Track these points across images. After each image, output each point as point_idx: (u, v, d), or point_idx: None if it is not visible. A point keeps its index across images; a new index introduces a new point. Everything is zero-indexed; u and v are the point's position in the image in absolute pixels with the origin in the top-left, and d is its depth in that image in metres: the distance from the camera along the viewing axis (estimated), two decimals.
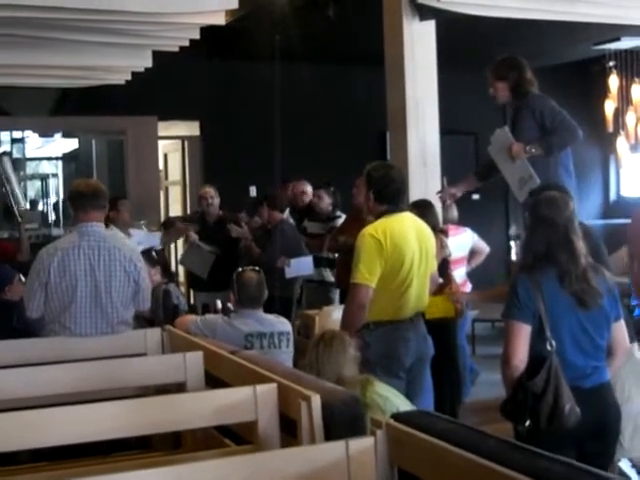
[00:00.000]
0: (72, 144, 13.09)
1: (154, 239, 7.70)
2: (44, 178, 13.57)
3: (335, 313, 5.22)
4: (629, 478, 3.78)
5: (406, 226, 4.46)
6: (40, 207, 13.30)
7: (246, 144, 9.59)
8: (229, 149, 9.73)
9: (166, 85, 9.10)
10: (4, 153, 11.71)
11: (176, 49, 6.58)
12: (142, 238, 7.42)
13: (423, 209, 5.20)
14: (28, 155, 13.23)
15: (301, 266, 7.15)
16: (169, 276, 6.91)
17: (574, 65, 10.40)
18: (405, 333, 4.39)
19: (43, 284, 4.34)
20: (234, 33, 7.77)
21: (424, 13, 5.97)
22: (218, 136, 9.84)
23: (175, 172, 10.92)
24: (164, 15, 5.56)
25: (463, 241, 6.32)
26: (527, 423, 3.28)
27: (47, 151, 13.92)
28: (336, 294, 7.23)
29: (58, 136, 12.72)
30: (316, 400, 2.72)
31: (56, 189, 13.37)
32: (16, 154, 12.62)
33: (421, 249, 4.46)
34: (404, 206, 4.63)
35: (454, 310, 4.77)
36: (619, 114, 9.30)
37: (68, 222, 10.46)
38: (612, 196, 11.79)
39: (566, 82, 10.15)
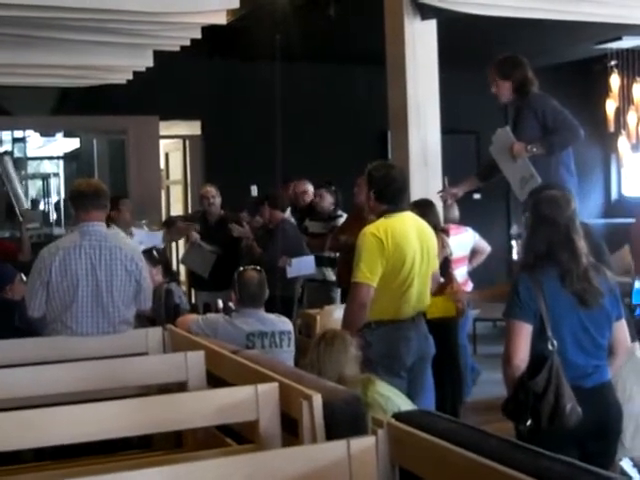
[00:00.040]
0: (73, 143, 13.10)
1: (156, 238, 7.70)
2: (45, 178, 13.58)
3: (336, 312, 5.22)
4: (630, 477, 3.78)
5: (407, 225, 4.46)
6: (41, 207, 13.30)
7: (247, 143, 9.59)
8: (230, 148, 9.73)
9: (167, 84, 9.10)
10: (5, 153, 11.73)
11: (177, 48, 6.59)
12: (144, 237, 7.43)
13: (424, 208, 5.20)
14: (29, 155, 13.24)
15: (302, 265, 7.15)
16: (171, 275, 6.91)
17: (575, 64, 10.39)
18: (406, 332, 4.39)
19: (44, 283, 4.35)
20: (235, 32, 7.77)
21: (425, 12, 5.97)
22: (219, 135, 9.85)
23: (176, 171, 10.92)
24: (165, 15, 5.56)
25: (464, 240, 6.32)
26: (528, 422, 3.28)
27: (48, 150, 13.93)
28: (337, 293, 7.23)
29: (59, 136, 12.74)
30: (317, 399, 2.72)
31: (57, 189, 13.38)
32: (17, 153, 12.63)
33: (422, 248, 4.46)
34: (405, 206, 4.63)
35: (455, 309, 4.77)
36: (620, 113, 9.29)
37: (69, 221, 10.46)
38: (613, 195, 11.78)
39: (567, 81, 10.15)
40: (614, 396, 3.50)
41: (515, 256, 10.08)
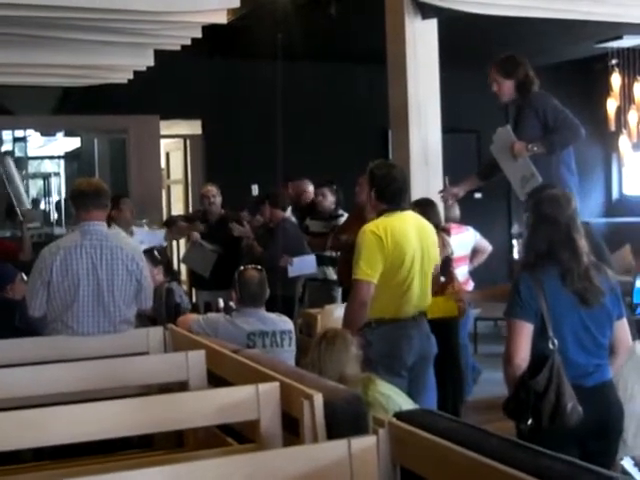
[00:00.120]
0: (74, 143, 13.09)
1: (157, 237, 7.71)
2: (46, 177, 13.56)
3: (337, 312, 5.22)
4: (632, 476, 3.78)
5: (407, 224, 4.46)
6: (42, 206, 13.29)
7: (248, 142, 9.59)
8: (231, 147, 9.73)
9: (168, 84, 9.10)
10: (6, 152, 11.72)
11: (178, 48, 6.58)
12: (145, 236, 7.43)
13: (425, 208, 5.20)
14: (30, 154, 13.23)
15: (304, 265, 7.15)
16: (171, 275, 6.91)
17: (576, 63, 10.39)
18: (408, 331, 4.39)
19: (45, 283, 4.35)
20: (236, 32, 7.77)
21: (426, 11, 5.97)
22: (220, 134, 9.85)
23: (177, 171, 10.92)
24: (166, 14, 5.56)
25: (465, 240, 6.32)
26: (529, 422, 3.28)
27: (49, 150, 13.92)
28: (338, 293, 7.23)
29: (60, 135, 12.73)
30: (318, 399, 2.72)
31: (58, 188, 13.36)
32: (18, 153, 12.62)
33: (423, 248, 4.46)
34: (406, 205, 4.63)
35: (456, 309, 4.77)
36: (621, 112, 9.29)
37: (70, 221, 10.46)
38: (614, 195, 11.78)
39: (568, 80, 10.15)
40: (615, 395, 3.50)
41: (516, 255, 10.08)
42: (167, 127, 9.94)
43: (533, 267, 3.42)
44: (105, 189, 4.57)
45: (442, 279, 4.84)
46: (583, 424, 3.26)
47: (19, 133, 12.37)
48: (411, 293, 4.40)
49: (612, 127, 9.30)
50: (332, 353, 3.64)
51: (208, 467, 2.26)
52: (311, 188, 8.02)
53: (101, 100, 8.67)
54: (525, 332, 3.34)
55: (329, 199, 7.52)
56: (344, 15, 7.31)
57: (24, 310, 4.69)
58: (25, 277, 5.35)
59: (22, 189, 9.44)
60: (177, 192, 10.97)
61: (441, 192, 5.66)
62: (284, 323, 4.95)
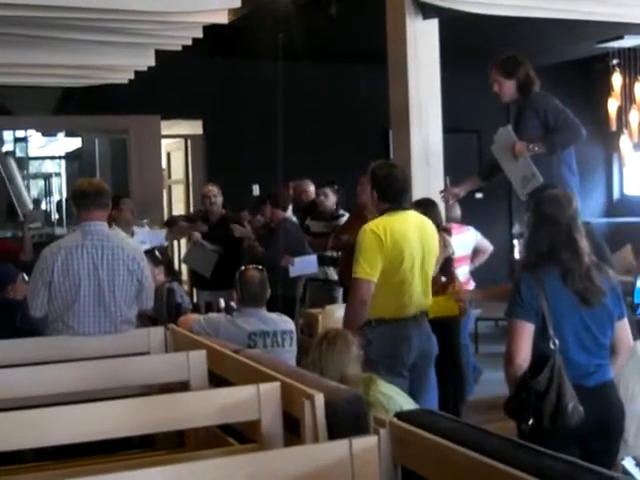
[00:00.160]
0: (75, 143, 13.09)
1: (159, 237, 7.71)
2: (47, 177, 13.56)
3: (338, 312, 5.22)
4: (633, 477, 3.77)
5: (408, 224, 4.46)
6: (43, 206, 13.29)
7: (249, 142, 9.59)
8: (232, 147, 9.73)
9: (169, 84, 9.11)
10: (7, 153, 11.72)
11: (179, 48, 6.58)
12: (146, 236, 7.43)
13: (426, 207, 5.20)
14: (31, 154, 13.23)
15: (305, 265, 7.15)
16: (172, 275, 6.91)
17: (577, 63, 10.39)
18: (408, 331, 4.39)
19: (46, 283, 4.35)
20: (237, 32, 7.77)
21: (427, 11, 5.97)
22: (221, 135, 9.85)
23: (178, 171, 10.92)
24: (167, 14, 5.56)
25: (466, 240, 6.32)
26: (530, 421, 3.28)
27: (50, 150, 13.92)
28: (339, 293, 7.23)
29: (61, 135, 12.73)
30: (319, 399, 2.72)
31: (59, 188, 13.37)
32: (19, 153, 12.61)
33: (423, 247, 4.46)
34: (407, 205, 4.63)
35: (457, 309, 4.77)
36: (622, 112, 9.29)
37: (71, 221, 10.47)
38: (615, 195, 11.78)
39: (569, 80, 10.15)
40: (616, 395, 3.50)
41: (517, 255, 10.08)
42: (168, 127, 9.95)
43: (534, 267, 3.42)
44: (106, 189, 4.57)
45: (443, 279, 4.84)
46: (584, 424, 3.26)
47: (20, 133, 12.37)
48: (411, 292, 4.40)
49: (613, 127, 9.30)
50: (333, 353, 3.64)
51: (209, 467, 2.27)
52: (312, 188, 8.02)
53: (102, 100, 8.67)
54: (526, 332, 3.34)
55: (331, 199, 7.52)
56: (345, 15, 7.31)
57: (25, 310, 4.69)
58: (26, 277, 5.35)
59: (24, 189, 9.44)
60: (178, 192, 10.97)
61: (442, 192, 5.67)
62: (285, 323, 4.94)
